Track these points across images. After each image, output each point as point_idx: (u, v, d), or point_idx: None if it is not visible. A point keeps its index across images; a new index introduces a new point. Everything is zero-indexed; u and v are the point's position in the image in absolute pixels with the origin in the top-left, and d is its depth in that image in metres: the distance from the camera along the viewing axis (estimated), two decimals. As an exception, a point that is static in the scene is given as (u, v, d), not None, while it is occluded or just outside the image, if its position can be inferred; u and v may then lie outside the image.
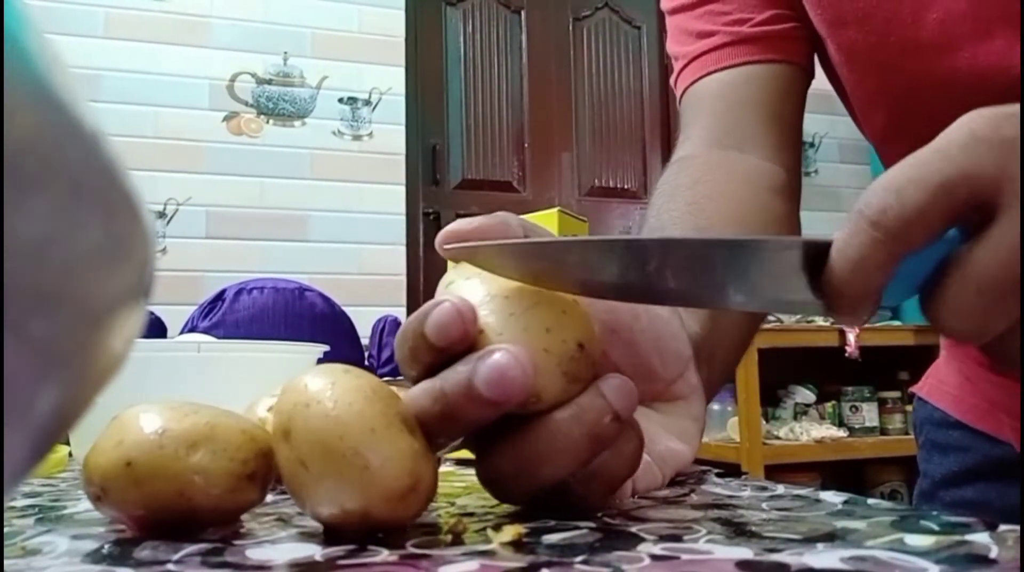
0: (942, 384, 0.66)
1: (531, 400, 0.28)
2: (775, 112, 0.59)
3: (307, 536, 0.28)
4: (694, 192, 0.53)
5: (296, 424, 0.26)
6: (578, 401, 0.29)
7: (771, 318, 2.38)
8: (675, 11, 0.63)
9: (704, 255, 0.28)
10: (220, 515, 0.29)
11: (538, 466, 0.29)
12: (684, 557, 0.24)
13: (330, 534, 0.28)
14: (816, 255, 0.27)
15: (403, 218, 2.62)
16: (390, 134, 2.65)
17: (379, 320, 2.20)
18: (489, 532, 0.27)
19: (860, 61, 0.54)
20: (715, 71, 0.59)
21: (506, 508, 0.32)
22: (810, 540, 0.25)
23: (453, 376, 0.28)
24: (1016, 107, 0.27)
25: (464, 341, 0.28)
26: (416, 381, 0.30)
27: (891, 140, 0.57)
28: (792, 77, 0.59)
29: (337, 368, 0.28)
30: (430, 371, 0.29)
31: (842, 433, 2.37)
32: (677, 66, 0.62)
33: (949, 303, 0.26)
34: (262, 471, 0.29)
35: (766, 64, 0.58)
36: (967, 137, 0.26)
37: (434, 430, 0.28)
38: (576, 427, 0.28)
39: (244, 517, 0.31)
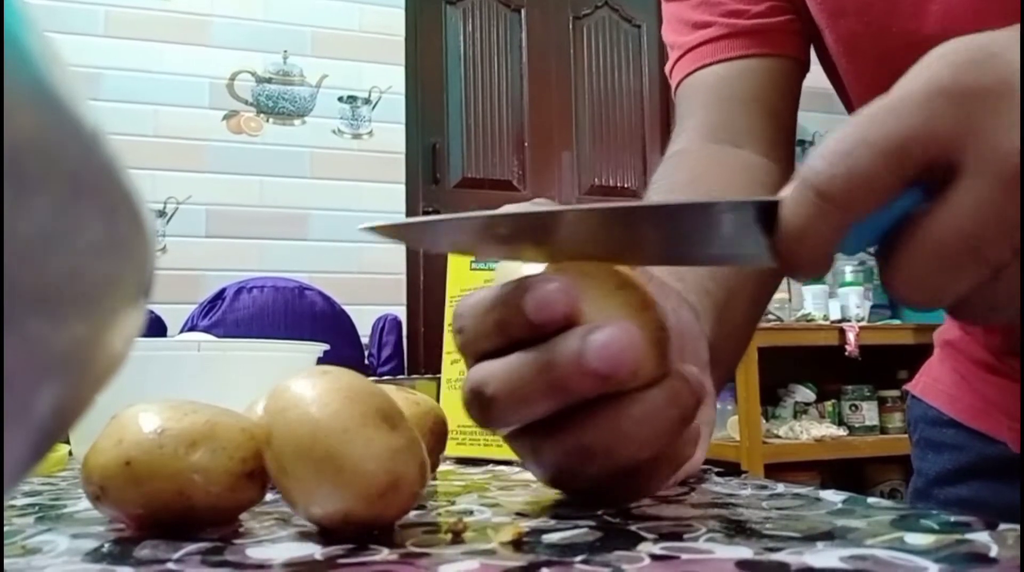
0: (937, 382, 0.66)
1: (632, 377, 0.28)
2: (770, 107, 0.58)
3: (307, 535, 0.28)
4: (693, 189, 0.53)
5: (276, 429, 0.27)
6: (670, 383, 0.29)
7: (771, 317, 2.38)
8: None
9: (665, 217, 0.29)
10: (219, 514, 0.29)
11: (628, 444, 0.29)
12: (684, 557, 0.24)
13: (329, 533, 0.28)
14: (768, 215, 0.27)
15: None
16: (390, 133, 2.65)
17: (379, 319, 2.20)
18: (489, 531, 0.27)
19: (859, 52, 0.54)
20: (711, 63, 0.59)
21: (506, 508, 0.32)
22: (810, 539, 0.25)
23: (562, 348, 0.27)
24: (988, 42, 0.25)
25: (566, 321, 0.28)
26: (480, 354, 0.30)
27: None
28: (787, 71, 0.59)
29: (317, 370, 0.28)
30: (511, 346, 0.29)
31: (842, 432, 2.37)
32: (673, 55, 0.62)
33: (903, 268, 0.25)
34: (261, 469, 0.29)
35: (762, 58, 0.58)
36: (926, 88, 0.25)
37: (526, 403, 0.28)
38: (671, 409, 0.29)
39: (244, 516, 0.31)
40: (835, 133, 0.25)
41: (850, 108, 0.61)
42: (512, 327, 0.29)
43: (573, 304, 0.28)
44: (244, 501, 0.29)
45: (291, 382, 0.27)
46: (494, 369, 0.29)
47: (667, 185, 0.54)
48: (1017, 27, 0.26)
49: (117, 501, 0.28)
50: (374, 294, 2.51)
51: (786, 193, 0.26)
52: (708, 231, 0.28)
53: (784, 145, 0.59)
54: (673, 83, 0.63)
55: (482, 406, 0.29)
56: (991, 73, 0.24)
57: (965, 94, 0.24)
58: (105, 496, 0.28)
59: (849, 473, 2.47)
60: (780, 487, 0.36)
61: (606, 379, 0.27)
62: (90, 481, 0.28)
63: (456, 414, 0.53)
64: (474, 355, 0.31)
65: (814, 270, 0.27)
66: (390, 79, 2.68)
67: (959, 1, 0.48)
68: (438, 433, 0.38)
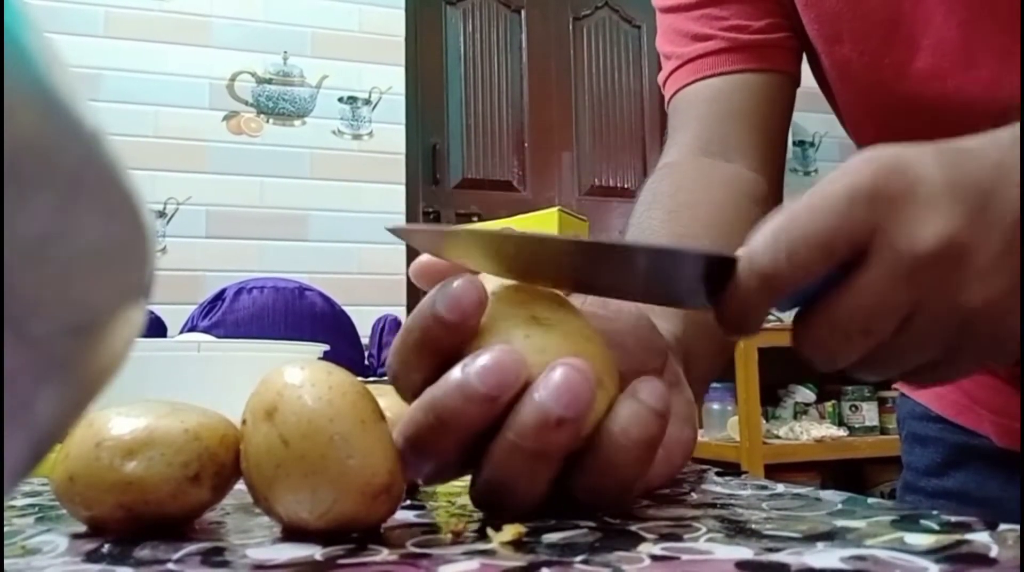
0: None
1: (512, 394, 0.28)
2: (764, 124, 0.59)
3: (307, 536, 0.28)
4: (674, 200, 0.54)
5: (285, 403, 0.26)
6: (517, 418, 0.27)
7: (772, 318, 2.38)
8: (669, 10, 0.63)
9: (628, 258, 0.31)
10: (168, 519, 0.28)
11: (506, 493, 0.28)
12: (684, 557, 0.24)
13: (323, 535, 0.28)
14: (717, 271, 0.31)
15: (403, 218, 2.62)
16: (390, 133, 2.65)
17: (379, 320, 2.20)
18: (489, 532, 0.27)
19: (852, 79, 0.55)
20: (709, 76, 0.59)
21: (506, 507, 0.32)
22: (810, 539, 0.25)
23: (444, 381, 0.27)
24: (904, 154, 0.30)
25: (479, 312, 0.28)
26: (416, 390, 0.30)
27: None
28: (782, 87, 0.60)
29: (323, 363, 0.28)
30: (438, 367, 0.29)
31: (842, 432, 2.37)
32: (669, 66, 0.62)
33: (808, 335, 0.30)
34: (210, 470, 0.28)
35: (760, 73, 0.59)
36: (849, 192, 0.29)
37: (429, 445, 0.28)
38: (521, 446, 0.27)
39: (243, 516, 0.31)
40: (775, 222, 0.30)
41: (842, 121, 0.61)
42: (432, 339, 0.29)
43: (482, 295, 0.28)
44: (193, 504, 0.28)
45: (300, 367, 0.27)
46: (405, 417, 0.29)
47: (650, 197, 0.55)
48: (930, 144, 0.31)
49: (71, 512, 0.28)
50: (374, 295, 2.51)
51: (740, 254, 0.30)
52: (666, 275, 0.32)
53: (774, 161, 0.60)
54: (668, 93, 0.63)
55: (404, 461, 0.28)
56: (902, 181, 0.29)
57: (878, 197, 0.29)
58: (62, 506, 0.28)
59: (849, 473, 2.47)
60: (780, 487, 0.36)
61: (493, 400, 0.26)
62: (53, 491, 0.29)
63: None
64: (412, 393, 0.30)
65: (746, 333, 0.32)
66: (390, 80, 2.68)
67: (949, 38, 0.49)
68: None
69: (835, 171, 0.30)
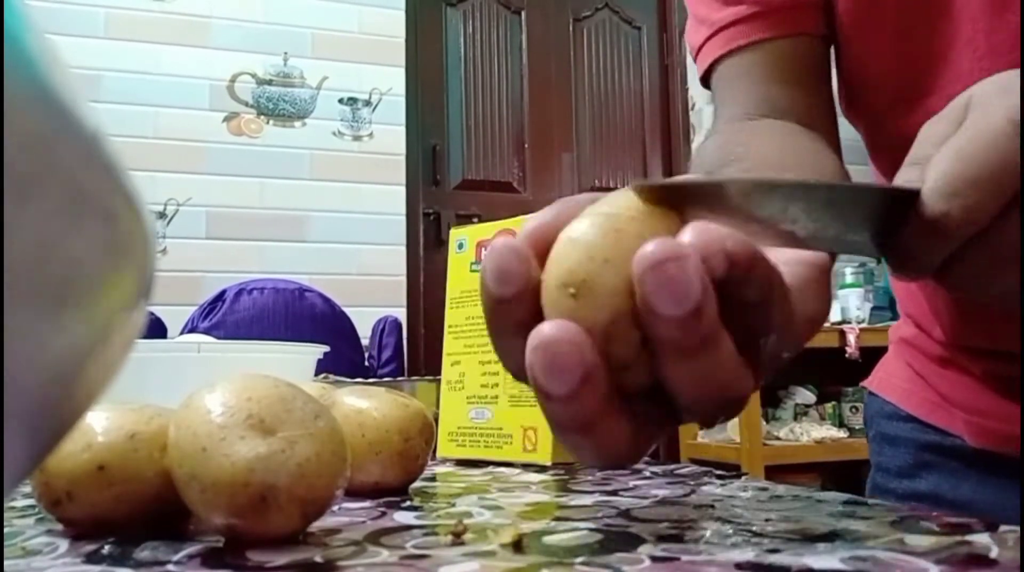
0: (892, 377, 0.65)
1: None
2: (809, 87, 0.58)
3: (307, 536, 0.28)
4: (752, 161, 0.50)
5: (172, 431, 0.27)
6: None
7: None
8: None
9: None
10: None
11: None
12: (684, 558, 0.24)
13: (328, 534, 0.28)
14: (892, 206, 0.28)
15: (403, 218, 2.62)
16: (390, 134, 2.65)
17: (379, 320, 2.20)
18: (489, 533, 0.27)
19: (875, 22, 0.54)
20: (744, 47, 0.58)
21: (506, 509, 0.32)
22: (810, 540, 0.25)
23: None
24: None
25: (524, 285, 0.23)
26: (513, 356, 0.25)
27: (885, 127, 0.57)
28: (817, 49, 0.58)
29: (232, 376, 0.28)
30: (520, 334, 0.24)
31: (842, 434, 2.37)
32: (702, 31, 0.61)
33: (963, 270, 0.28)
34: None
35: (793, 39, 0.57)
36: (1008, 126, 0.27)
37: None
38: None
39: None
40: (940, 165, 0.28)
41: (844, 96, 0.60)
42: (496, 316, 0.25)
43: (528, 272, 0.24)
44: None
45: (197, 392, 0.28)
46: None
47: (720, 157, 0.51)
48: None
49: (86, 506, 0.28)
50: (374, 296, 2.51)
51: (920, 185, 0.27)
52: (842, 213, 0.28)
53: (827, 119, 0.58)
54: (702, 63, 0.61)
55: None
56: None
57: None
58: (70, 501, 0.28)
59: (849, 475, 2.47)
60: (780, 489, 0.36)
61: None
62: (51, 486, 0.28)
63: (456, 416, 0.53)
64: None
65: (926, 270, 0.28)
66: (390, 81, 2.68)
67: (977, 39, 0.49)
68: (427, 436, 0.38)
69: (981, 113, 0.28)
